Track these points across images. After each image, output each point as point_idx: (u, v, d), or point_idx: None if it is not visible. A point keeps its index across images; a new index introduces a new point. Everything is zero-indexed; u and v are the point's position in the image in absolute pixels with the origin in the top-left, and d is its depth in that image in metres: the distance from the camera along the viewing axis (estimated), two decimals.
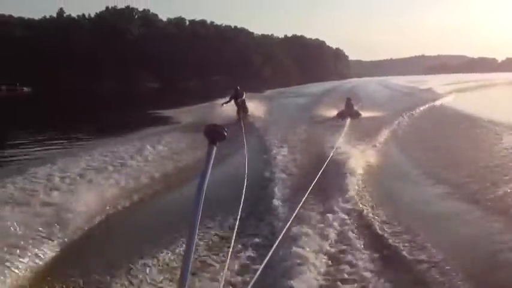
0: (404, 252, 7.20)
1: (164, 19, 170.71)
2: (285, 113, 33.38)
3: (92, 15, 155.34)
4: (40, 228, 8.47)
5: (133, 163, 14.73)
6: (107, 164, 14.20)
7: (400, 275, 6.52)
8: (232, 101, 27.92)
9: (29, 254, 7.55)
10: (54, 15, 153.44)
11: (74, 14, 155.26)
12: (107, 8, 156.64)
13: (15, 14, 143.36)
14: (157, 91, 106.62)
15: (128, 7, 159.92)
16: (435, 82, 75.00)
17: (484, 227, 8.48)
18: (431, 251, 7.20)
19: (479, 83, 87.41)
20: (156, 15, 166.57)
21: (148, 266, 6.91)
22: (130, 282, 6.52)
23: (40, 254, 7.65)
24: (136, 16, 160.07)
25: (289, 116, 30.47)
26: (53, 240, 8.18)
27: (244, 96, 28.00)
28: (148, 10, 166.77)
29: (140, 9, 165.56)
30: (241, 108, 27.32)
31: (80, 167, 13.77)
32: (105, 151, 16.37)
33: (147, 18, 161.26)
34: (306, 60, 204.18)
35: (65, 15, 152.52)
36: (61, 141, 23.79)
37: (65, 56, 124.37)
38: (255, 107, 30.53)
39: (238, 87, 28.05)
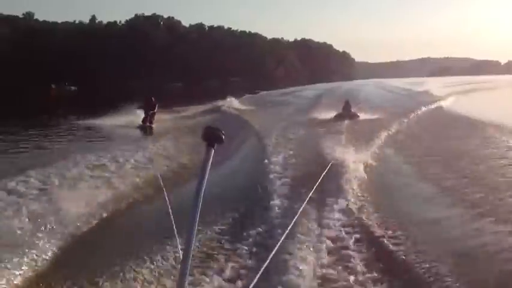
0: (402, 257, 7.14)
1: (186, 25, 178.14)
2: (289, 110, 34.46)
3: (123, 21, 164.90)
4: (33, 231, 8.35)
5: (129, 164, 14.55)
6: (103, 166, 14.05)
7: (399, 281, 6.48)
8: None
9: (22, 257, 7.36)
10: (86, 21, 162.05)
11: (104, 21, 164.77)
12: (136, 15, 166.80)
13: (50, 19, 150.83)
14: (182, 89, 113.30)
15: (154, 14, 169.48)
16: (434, 85, 71.94)
17: (481, 229, 8.35)
18: (429, 256, 7.11)
19: (481, 85, 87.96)
20: (179, 22, 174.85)
21: (145, 269, 6.80)
22: (126, 285, 6.40)
23: (34, 256, 7.48)
24: (161, 22, 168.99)
25: (290, 115, 30.93)
26: (46, 243, 7.99)
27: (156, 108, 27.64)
28: (173, 17, 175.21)
29: (165, 16, 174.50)
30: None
31: (76, 168, 13.57)
32: (101, 152, 16.19)
33: (172, 25, 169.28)
34: (314, 62, 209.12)
35: (96, 21, 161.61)
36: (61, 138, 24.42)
37: (100, 59, 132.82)
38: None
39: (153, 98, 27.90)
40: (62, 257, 7.74)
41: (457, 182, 12.09)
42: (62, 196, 10.46)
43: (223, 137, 2.34)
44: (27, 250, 7.53)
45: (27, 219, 8.88)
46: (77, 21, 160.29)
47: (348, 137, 18.84)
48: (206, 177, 2.25)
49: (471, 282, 6.21)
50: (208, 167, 2.27)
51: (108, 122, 29.53)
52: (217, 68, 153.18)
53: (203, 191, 2.22)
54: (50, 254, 7.71)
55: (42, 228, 8.56)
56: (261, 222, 8.78)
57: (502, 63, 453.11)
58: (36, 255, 7.52)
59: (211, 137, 2.33)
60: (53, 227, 8.68)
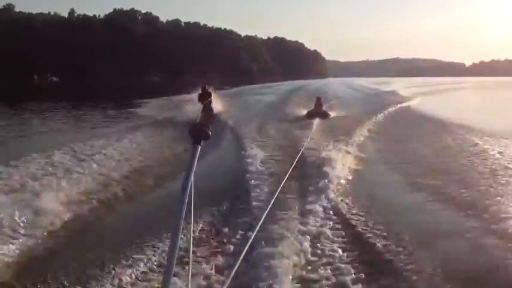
0: (381, 248, 7.03)
1: (163, 21, 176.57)
2: (257, 108, 34.08)
3: (102, 15, 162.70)
4: (6, 226, 7.80)
5: (109, 157, 14.02)
6: (81, 159, 13.48)
7: (379, 273, 6.30)
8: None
9: None
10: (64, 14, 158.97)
11: (83, 15, 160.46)
12: (115, 9, 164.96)
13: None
14: (160, 84, 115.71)
15: (132, 9, 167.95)
16: (401, 85, 73.34)
17: (457, 221, 8.50)
18: (405, 244, 7.10)
19: (446, 86, 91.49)
20: (157, 17, 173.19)
21: (130, 266, 6.46)
22: (109, 282, 6.05)
23: (5, 252, 6.96)
24: (139, 17, 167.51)
25: (261, 111, 30.68)
26: (21, 240, 7.47)
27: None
28: (151, 13, 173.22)
29: (143, 11, 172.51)
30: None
31: (55, 161, 13.05)
32: (82, 144, 15.77)
33: (149, 20, 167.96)
34: (286, 60, 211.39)
35: (75, 14, 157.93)
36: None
37: (81, 52, 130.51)
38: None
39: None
40: (30, 257, 7.10)
41: (426, 172, 12.53)
42: (31, 192, 9.76)
43: (210, 133, 2.36)
44: None
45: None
46: (52, 13, 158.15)
47: (318, 136, 18.61)
48: (193, 174, 2.24)
49: (451, 273, 6.18)
50: (195, 164, 2.27)
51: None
52: (194, 63, 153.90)
53: (190, 187, 2.20)
54: (16, 252, 7.11)
55: (9, 226, 7.98)
56: (242, 213, 8.73)
57: (467, 65, 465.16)
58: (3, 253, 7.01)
59: (197, 133, 2.34)
60: (23, 223, 8.08)
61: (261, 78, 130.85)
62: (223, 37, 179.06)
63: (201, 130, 2.37)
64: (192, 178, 2.24)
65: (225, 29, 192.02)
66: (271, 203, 6.64)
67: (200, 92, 26.65)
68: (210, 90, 27.10)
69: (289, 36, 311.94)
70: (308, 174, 11.53)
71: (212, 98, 26.36)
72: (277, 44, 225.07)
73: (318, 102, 27.48)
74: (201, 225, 8.04)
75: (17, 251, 7.10)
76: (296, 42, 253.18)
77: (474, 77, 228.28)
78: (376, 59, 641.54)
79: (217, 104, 29.15)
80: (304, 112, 27.09)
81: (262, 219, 5.55)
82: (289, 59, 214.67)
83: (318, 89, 59.79)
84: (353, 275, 6.15)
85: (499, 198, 9.63)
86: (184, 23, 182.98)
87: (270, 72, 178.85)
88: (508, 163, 12.99)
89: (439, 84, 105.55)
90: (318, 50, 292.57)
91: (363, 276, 6.12)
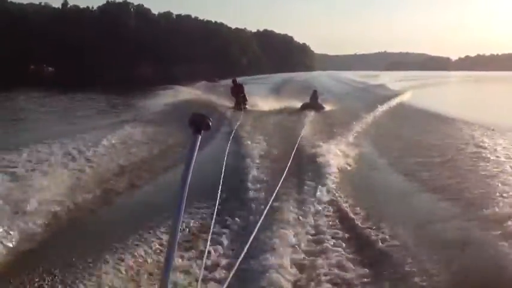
0: (379, 243, 6.84)
1: (155, 13, 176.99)
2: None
3: (95, 7, 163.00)
4: None
5: (106, 148, 13.79)
6: (76, 150, 13.18)
7: (380, 271, 6.03)
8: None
9: None
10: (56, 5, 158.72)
11: (76, 6, 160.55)
12: (108, 1, 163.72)
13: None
14: (151, 75, 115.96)
15: (125, 1, 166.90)
16: (389, 78, 74.68)
17: (450, 212, 8.44)
18: (403, 238, 6.99)
19: (434, 80, 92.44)
20: (149, 10, 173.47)
21: (123, 260, 6.14)
22: (102, 278, 5.69)
23: None
24: (132, 9, 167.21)
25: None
26: (10, 234, 7.04)
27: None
28: (142, 5, 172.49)
29: (135, 3, 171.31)
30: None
31: (47, 153, 12.66)
32: (74, 136, 15.44)
33: (142, 12, 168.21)
34: (276, 53, 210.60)
35: (69, 6, 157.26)
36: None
37: (76, 42, 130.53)
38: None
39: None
40: (19, 252, 6.79)
41: (423, 164, 12.55)
42: (20, 186, 9.46)
43: (210, 123, 2.30)
44: None
45: None
46: (43, 3, 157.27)
47: (314, 128, 18.64)
48: (192, 165, 2.20)
49: (447, 267, 6.02)
50: (195, 154, 2.22)
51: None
52: (185, 55, 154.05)
53: (189, 178, 2.17)
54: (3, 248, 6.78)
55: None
56: (240, 208, 8.46)
57: (453, 60, 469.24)
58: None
59: (198, 123, 2.28)
60: (12, 216, 7.74)
61: (250, 71, 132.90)
62: (213, 30, 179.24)
63: (201, 120, 2.30)
64: (192, 168, 2.20)
65: (215, 21, 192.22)
66: (270, 201, 6.67)
67: (232, 85, 27.11)
68: (241, 82, 27.49)
69: (278, 30, 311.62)
70: (305, 169, 11.33)
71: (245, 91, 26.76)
72: (267, 37, 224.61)
73: (314, 95, 27.62)
74: (194, 220, 7.79)
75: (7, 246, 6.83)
76: (285, 35, 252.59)
77: (460, 72, 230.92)
78: (364, 53, 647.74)
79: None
80: (299, 105, 27.09)
81: (262, 218, 5.43)
82: (277, 52, 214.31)
83: (307, 81, 61.41)
84: (353, 273, 6.01)
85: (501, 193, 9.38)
86: (176, 15, 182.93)
87: (259, 64, 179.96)
88: (498, 154, 13.13)
89: (426, 78, 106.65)
90: (307, 44, 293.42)
91: (364, 272, 6.00)
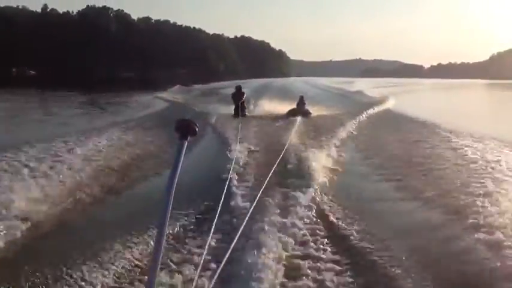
0: (364, 248, 6.86)
1: (135, 18, 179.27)
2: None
3: (75, 11, 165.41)
4: None
5: (90, 153, 13.54)
6: (61, 154, 12.98)
7: (363, 272, 6.12)
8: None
9: None
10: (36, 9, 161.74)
11: (54, 10, 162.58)
12: (88, 6, 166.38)
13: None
14: (134, 79, 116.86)
15: (104, 6, 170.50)
16: (365, 85, 75.72)
17: (436, 219, 8.36)
18: (387, 242, 7.01)
19: (407, 87, 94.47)
20: (129, 15, 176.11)
21: (111, 263, 6.11)
22: (89, 282, 5.65)
23: None
24: (111, 14, 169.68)
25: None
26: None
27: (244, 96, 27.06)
28: (122, 10, 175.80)
29: (115, 8, 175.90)
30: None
31: (32, 155, 12.53)
32: (59, 139, 15.27)
33: (122, 17, 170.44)
34: (252, 59, 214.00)
35: (48, 10, 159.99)
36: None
37: (57, 46, 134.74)
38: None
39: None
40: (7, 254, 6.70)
41: (406, 169, 12.66)
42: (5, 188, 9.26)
43: (197, 129, 2.29)
44: None
45: None
46: (20, 7, 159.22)
47: (301, 134, 18.51)
48: (179, 170, 2.18)
49: (431, 273, 6.07)
50: (181, 160, 2.21)
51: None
52: (166, 60, 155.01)
53: (175, 184, 2.16)
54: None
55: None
56: (226, 210, 8.23)
57: (426, 68, 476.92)
58: None
59: (184, 129, 2.27)
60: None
61: (227, 76, 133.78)
62: (192, 35, 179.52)
63: (188, 126, 2.29)
64: (178, 174, 2.19)
65: (194, 27, 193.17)
66: (253, 205, 6.71)
67: (234, 91, 27.22)
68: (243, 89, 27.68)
69: (255, 36, 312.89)
70: (290, 174, 11.18)
71: (244, 98, 26.89)
72: (244, 43, 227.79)
73: (301, 101, 27.33)
74: (178, 225, 7.75)
75: None
76: (262, 41, 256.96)
77: (432, 79, 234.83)
78: (340, 59, 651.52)
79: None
80: (284, 110, 26.87)
81: (245, 220, 5.57)
82: (254, 58, 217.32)
83: (285, 87, 63.02)
84: (337, 275, 6.05)
85: (484, 196, 9.49)
86: (155, 20, 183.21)
87: (236, 70, 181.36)
88: (480, 160, 13.16)
89: (402, 84, 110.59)
90: (283, 50, 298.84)
91: (347, 276, 6.04)
